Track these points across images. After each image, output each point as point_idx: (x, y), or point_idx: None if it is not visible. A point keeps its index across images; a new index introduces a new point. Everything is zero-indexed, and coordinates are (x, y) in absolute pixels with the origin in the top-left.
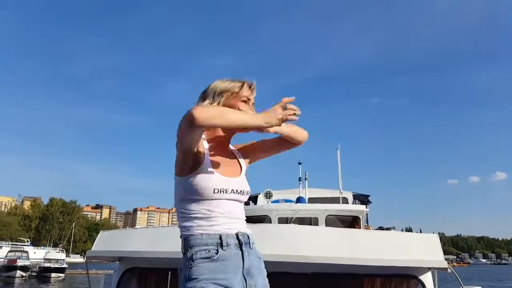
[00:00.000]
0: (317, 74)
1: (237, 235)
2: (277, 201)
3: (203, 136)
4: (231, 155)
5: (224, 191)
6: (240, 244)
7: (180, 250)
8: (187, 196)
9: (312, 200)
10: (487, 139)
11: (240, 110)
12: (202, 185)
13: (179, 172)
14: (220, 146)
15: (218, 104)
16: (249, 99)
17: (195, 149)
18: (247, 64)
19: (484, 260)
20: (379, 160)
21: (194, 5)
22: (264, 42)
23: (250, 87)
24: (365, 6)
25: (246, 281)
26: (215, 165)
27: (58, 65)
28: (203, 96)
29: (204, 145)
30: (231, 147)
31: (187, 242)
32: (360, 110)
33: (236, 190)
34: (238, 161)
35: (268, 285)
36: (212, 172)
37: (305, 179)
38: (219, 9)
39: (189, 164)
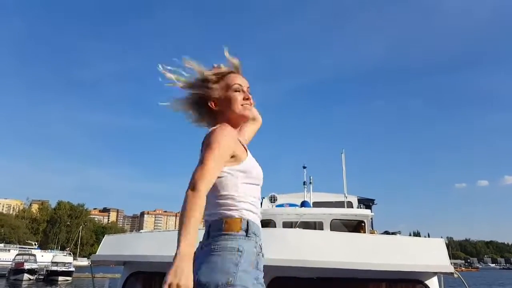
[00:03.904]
0: (324, 76)
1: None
2: (281, 205)
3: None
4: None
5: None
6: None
7: None
8: (246, 180)
9: (316, 204)
10: (495, 142)
11: (237, 103)
12: (257, 170)
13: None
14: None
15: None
16: (241, 84)
17: (234, 153)
18: (254, 66)
19: (493, 265)
20: (385, 163)
21: (201, 10)
22: (271, 44)
23: (236, 70)
24: (373, 8)
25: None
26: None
27: (68, 70)
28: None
29: (241, 140)
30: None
31: (251, 226)
32: (366, 112)
33: (261, 177)
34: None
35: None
36: (253, 159)
37: (310, 183)
38: (226, 11)
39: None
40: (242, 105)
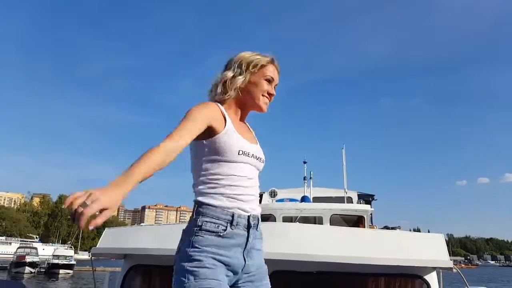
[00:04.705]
0: (328, 75)
1: (248, 217)
2: (281, 200)
3: (222, 107)
4: (248, 128)
5: (247, 154)
6: (248, 227)
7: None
8: (211, 157)
9: (316, 200)
10: (496, 140)
11: (262, 88)
12: (227, 146)
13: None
14: (239, 118)
15: (244, 78)
16: (273, 79)
17: (210, 122)
18: None
19: (492, 262)
20: (386, 160)
21: (203, 7)
22: (274, 42)
23: (277, 67)
24: (378, 8)
25: (245, 261)
26: (237, 129)
27: (71, 66)
28: (227, 66)
29: (223, 112)
30: (246, 123)
31: (199, 208)
32: (368, 110)
33: (256, 156)
34: (254, 135)
35: (265, 265)
36: (235, 135)
37: (310, 178)
38: (230, 10)
39: (209, 130)
40: (263, 95)
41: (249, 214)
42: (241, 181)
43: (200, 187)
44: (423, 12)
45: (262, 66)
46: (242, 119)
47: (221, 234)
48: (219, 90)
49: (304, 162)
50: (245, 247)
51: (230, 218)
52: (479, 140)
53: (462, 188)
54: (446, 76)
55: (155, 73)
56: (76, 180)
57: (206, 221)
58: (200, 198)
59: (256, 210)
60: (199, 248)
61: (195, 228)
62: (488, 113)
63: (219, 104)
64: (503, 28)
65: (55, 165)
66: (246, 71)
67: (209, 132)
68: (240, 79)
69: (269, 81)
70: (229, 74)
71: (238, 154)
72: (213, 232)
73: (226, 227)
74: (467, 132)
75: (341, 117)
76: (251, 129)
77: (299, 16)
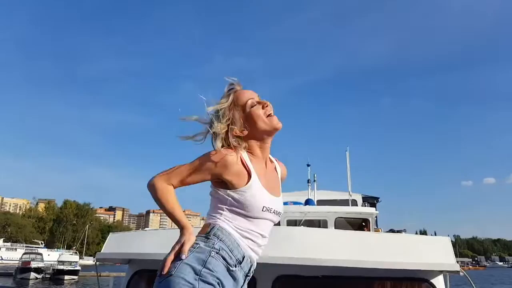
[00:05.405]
0: (328, 75)
1: (250, 266)
2: (285, 203)
3: (243, 155)
4: (272, 167)
5: (269, 210)
6: (246, 276)
7: None
8: (233, 208)
9: (321, 202)
10: (500, 140)
11: (258, 114)
12: (251, 202)
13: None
14: (262, 156)
15: (239, 121)
16: (251, 98)
17: (230, 179)
18: (257, 65)
19: (501, 263)
20: (391, 161)
21: (203, 7)
22: (274, 43)
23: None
24: (378, 7)
25: None
26: (262, 180)
27: (71, 68)
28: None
29: (245, 162)
30: (270, 157)
31: (218, 231)
32: (371, 111)
33: (277, 211)
34: (277, 174)
35: None
36: (260, 189)
37: (314, 181)
38: (231, 10)
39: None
40: (267, 117)
41: (252, 262)
42: (257, 237)
43: (218, 216)
44: (423, 11)
45: (237, 98)
46: (267, 150)
47: (231, 269)
48: (231, 139)
49: (308, 165)
50: None
51: (241, 258)
52: (483, 140)
53: (468, 189)
54: (447, 75)
55: (156, 73)
56: (80, 185)
57: (223, 248)
58: (220, 222)
59: (255, 261)
60: (213, 272)
61: (212, 250)
62: (491, 112)
63: (240, 152)
64: (504, 27)
65: (60, 171)
66: (232, 112)
67: (227, 184)
68: (237, 125)
69: (263, 106)
70: (223, 125)
71: (262, 210)
72: (227, 262)
73: (236, 264)
74: (471, 132)
75: (342, 118)
76: (274, 162)
77: (299, 16)
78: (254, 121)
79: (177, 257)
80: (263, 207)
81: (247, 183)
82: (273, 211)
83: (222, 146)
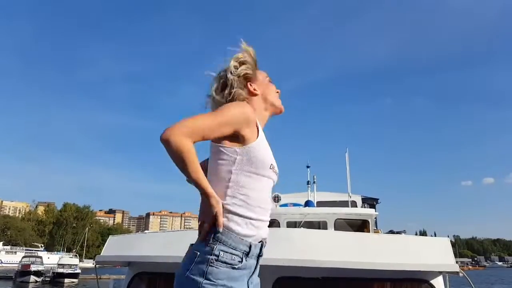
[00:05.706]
0: (328, 75)
1: (261, 245)
2: (285, 205)
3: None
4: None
5: (273, 168)
6: (259, 256)
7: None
8: (243, 167)
9: (320, 204)
10: (500, 139)
11: (272, 88)
12: (261, 158)
13: (233, 140)
14: (264, 123)
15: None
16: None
17: (243, 129)
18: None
19: (500, 263)
20: (390, 162)
21: (205, 10)
22: (275, 43)
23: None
24: (378, 7)
25: (248, 287)
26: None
27: (72, 71)
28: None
29: (256, 120)
30: None
31: (219, 234)
32: (370, 111)
33: (276, 170)
34: None
35: (259, 283)
36: (266, 145)
37: (314, 182)
38: (230, 10)
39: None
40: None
41: (263, 240)
42: (265, 203)
43: (224, 202)
44: (424, 11)
45: (256, 64)
46: (262, 125)
47: (236, 266)
48: (242, 89)
49: (307, 167)
50: (251, 275)
51: (248, 249)
52: (483, 140)
53: (468, 189)
54: (448, 75)
55: (157, 76)
56: (80, 188)
57: (223, 251)
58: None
59: (267, 233)
60: (214, 282)
61: (211, 258)
62: (491, 112)
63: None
64: (504, 27)
65: (59, 173)
66: (252, 68)
67: (239, 138)
68: (253, 82)
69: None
70: (245, 69)
71: (270, 167)
72: (229, 264)
73: (242, 259)
74: (470, 131)
75: (343, 118)
76: None
77: (299, 16)
78: (268, 91)
79: (212, 228)
80: (270, 164)
81: (257, 137)
82: (275, 170)
83: (231, 99)
